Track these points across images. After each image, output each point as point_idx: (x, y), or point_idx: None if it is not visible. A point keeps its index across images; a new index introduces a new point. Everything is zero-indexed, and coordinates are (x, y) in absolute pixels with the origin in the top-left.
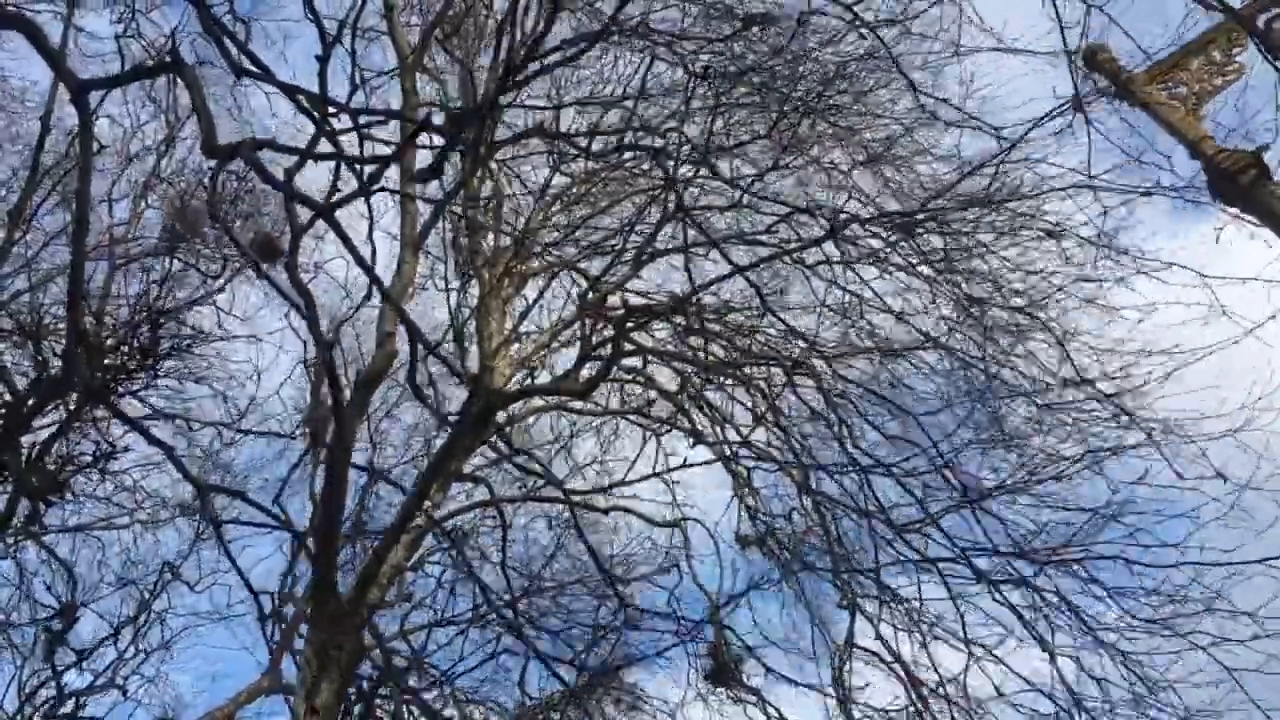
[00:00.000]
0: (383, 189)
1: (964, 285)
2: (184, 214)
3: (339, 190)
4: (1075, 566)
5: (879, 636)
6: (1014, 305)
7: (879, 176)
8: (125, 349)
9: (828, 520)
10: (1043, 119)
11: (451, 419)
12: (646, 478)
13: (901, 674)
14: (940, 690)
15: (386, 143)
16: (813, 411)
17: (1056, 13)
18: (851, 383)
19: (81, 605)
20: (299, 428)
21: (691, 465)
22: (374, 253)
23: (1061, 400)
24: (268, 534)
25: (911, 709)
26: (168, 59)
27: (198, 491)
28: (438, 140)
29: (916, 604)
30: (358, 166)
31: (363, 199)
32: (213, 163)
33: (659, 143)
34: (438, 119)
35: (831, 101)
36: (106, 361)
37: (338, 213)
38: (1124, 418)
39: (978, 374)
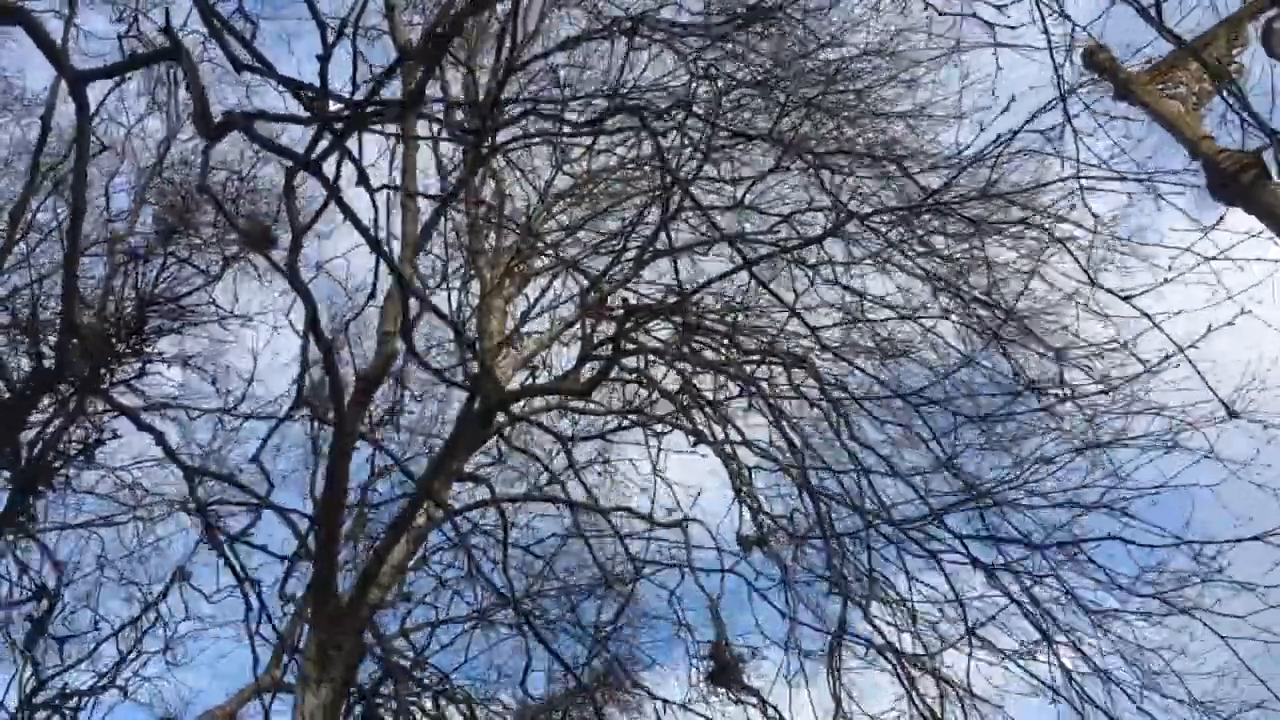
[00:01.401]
0: (387, 186)
1: (963, 280)
2: (177, 204)
3: (338, 189)
4: (1073, 549)
5: (867, 618)
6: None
7: (880, 175)
8: (115, 335)
9: (823, 513)
10: (1039, 111)
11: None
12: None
13: (891, 658)
14: (933, 675)
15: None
16: (811, 403)
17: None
18: (852, 363)
19: (85, 606)
20: (294, 406)
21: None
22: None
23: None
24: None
25: (906, 698)
26: (165, 42)
27: (185, 475)
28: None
29: (906, 590)
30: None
31: (365, 189)
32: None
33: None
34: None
35: (834, 100)
36: (96, 350)
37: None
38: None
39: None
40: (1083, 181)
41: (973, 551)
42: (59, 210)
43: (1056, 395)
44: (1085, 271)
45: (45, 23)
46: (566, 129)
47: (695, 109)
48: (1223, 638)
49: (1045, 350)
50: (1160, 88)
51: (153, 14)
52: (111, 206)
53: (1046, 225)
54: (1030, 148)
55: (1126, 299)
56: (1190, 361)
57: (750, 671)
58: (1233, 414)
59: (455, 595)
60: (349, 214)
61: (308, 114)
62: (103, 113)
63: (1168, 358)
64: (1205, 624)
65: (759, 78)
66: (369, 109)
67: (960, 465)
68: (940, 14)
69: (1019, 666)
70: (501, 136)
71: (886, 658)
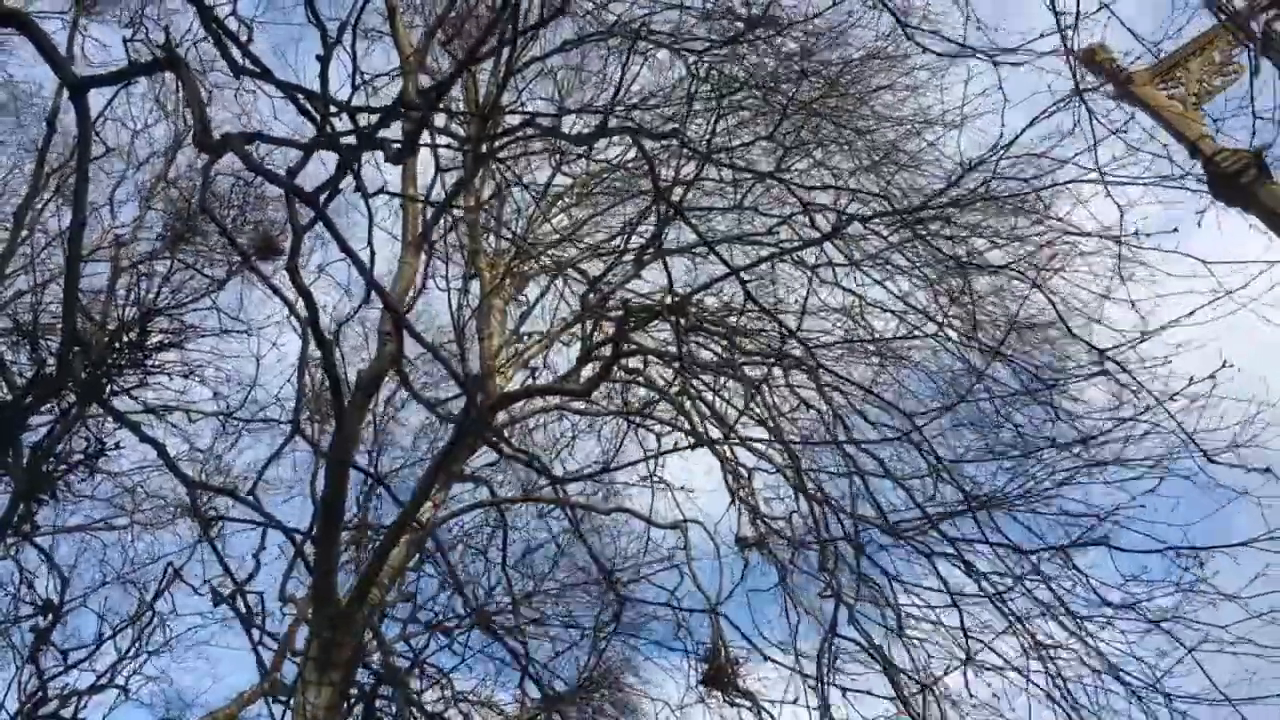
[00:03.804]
0: (383, 191)
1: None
2: (182, 213)
3: (340, 191)
4: (1060, 555)
5: (852, 621)
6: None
7: (881, 179)
8: (117, 345)
9: (817, 515)
10: (1041, 115)
11: (450, 412)
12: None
13: (879, 660)
14: (921, 684)
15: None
16: (807, 405)
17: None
18: (851, 382)
19: (82, 605)
20: (290, 436)
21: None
22: (372, 254)
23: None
24: (253, 529)
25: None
26: (163, 54)
27: (187, 488)
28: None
29: (895, 592)
30: (356, 165)
31: (361, 196)
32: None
33: (660, 139)
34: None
35: (834, 104)
36: (98, 359)
37: (344, 211)
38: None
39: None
40: (1084, 188)
41: (966, 557)
42: (64, 213)
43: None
44: (1061, 321)
45: (47, 21)
46: (564, 141)
47: (686, 135)
48: (1189, 649)
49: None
50: (1160, 88)
51: (163, 17)
52: (116, 213)
53: (1029, 274)
54: (1032, 151)
55: (1102, 353)
56: (1170, 414)
57: (746, 675)
58: (1212, 460)
59: (454, 596)
60: (339, 239)
61: (308, 139)
62: (110, 114)
63: (1148, 408)
64: (1173, 637)
65: (759, 82)
66: (370, 138)
67: (956, 471)
68: (938, 54)
69: (1017, 673)
70: (500, 142)
71: (873, 655)
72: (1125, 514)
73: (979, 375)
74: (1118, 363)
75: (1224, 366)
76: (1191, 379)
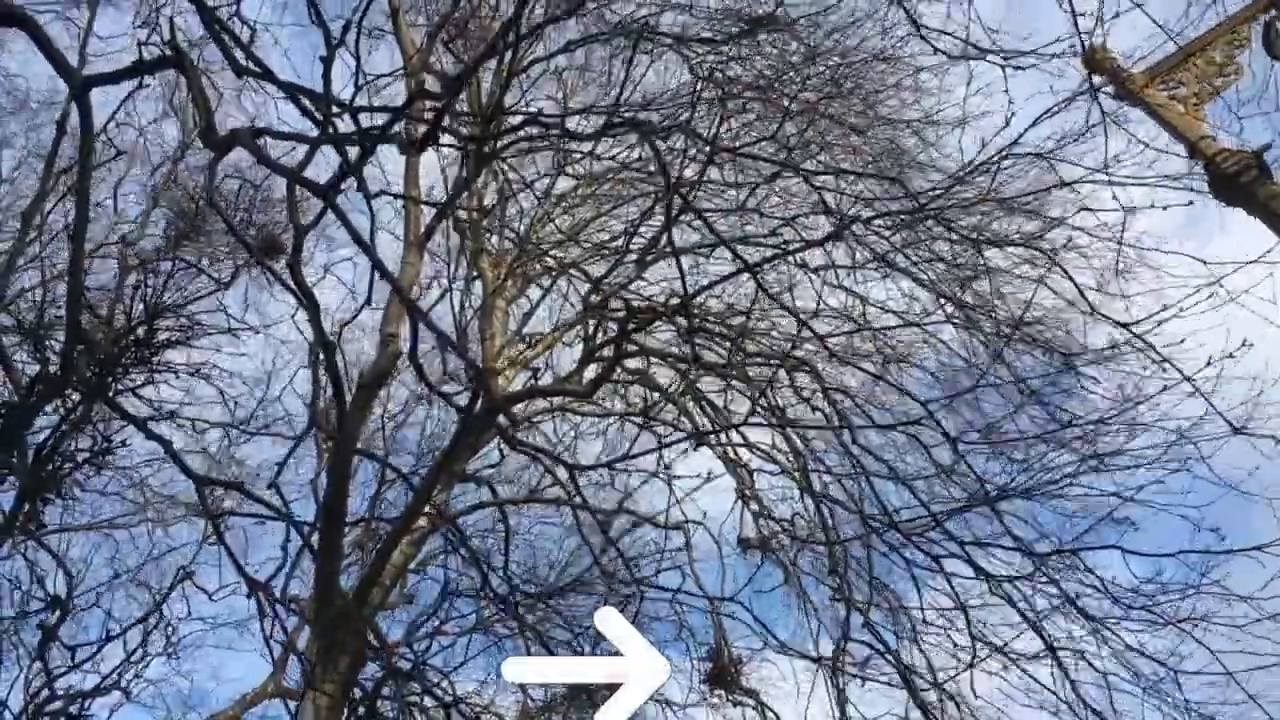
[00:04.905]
0: (385, 192)
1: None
2: (187, 212)
3: (343, 191)
4: (1072, 557)
5: (867, 624)
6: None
7: (884, 180)
8: (122, 343)
9: (825, 516)
10: (1044, 115)
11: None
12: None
13: (893, 662)
14: (937, 687)
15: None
16: (811, 406)
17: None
18: (860, 369)
19: (95, 604)
20: (308, 429)
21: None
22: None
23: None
24: (263, 524)
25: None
26: (168, 52)
27: (195, 485)
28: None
29: (905, 596)
30: (361, 162)
31: (363, 196)
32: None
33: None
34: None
35: (838, 106)
36: (104, 357)
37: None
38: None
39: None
40: (1086, 188)
41: (975, 559)
42: (72, 214)
43: (1062, 410)
44: (1084, 298)
45: (56, 20)
46: (569, 139)
47: (694, 128)
48: (1212, 651)
49: (1052, 359)
50: (1161, 88)
51: (175, 17)
52: (123, 212)
53: (1045, 249)
54: (1035, 151)
55: (1126, 326)
56: (1196, 387)
57: (749, 674)
58: (1237, 430)
59: (456, 596)
60: (349, 228)
61: (314, 136)
62: (122, 119)
63: (1166, 388)
64: (1194, 638)
65: (762, 83)
66: (378, 135)
67: (964, 472)
68: (945, 55)
69: (1024, 673)
70: (503, 140)
71: (888, 659)
72: (1141, 506)
73: (997, 353)
74: (1140, 337)
75: (1244, 345)
76: (1221, 353)
